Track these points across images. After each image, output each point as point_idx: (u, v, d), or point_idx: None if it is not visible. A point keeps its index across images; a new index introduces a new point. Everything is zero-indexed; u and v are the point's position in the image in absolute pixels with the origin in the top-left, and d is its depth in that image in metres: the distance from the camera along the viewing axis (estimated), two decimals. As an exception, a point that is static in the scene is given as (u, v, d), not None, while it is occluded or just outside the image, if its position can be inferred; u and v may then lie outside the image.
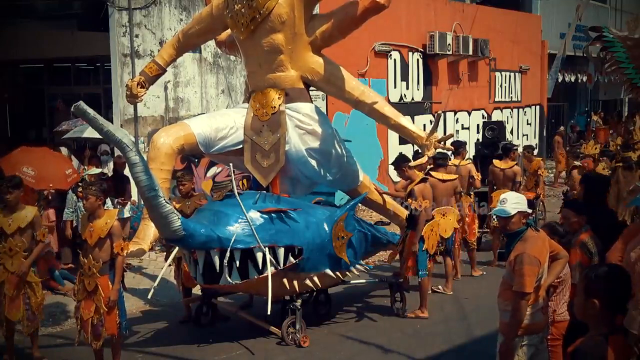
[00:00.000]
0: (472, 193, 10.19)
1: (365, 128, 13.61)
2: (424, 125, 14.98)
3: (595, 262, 4.97)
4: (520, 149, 13.71)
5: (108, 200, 8.57)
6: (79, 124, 11.11)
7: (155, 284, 6.85)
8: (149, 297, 7.18)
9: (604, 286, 2.97)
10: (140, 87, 7.85)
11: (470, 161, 10.65)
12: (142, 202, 6.65)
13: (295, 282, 7.01)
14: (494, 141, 12.27)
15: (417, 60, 16.34)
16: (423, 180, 7.95)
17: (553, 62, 21.81)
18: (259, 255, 6.66)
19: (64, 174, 9.06)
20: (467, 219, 9.57)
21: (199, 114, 11.09)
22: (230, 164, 7.13)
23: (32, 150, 9.38)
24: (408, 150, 14.23)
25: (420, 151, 8.18)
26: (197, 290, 8.10)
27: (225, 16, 7.48)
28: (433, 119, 14.38)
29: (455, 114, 17.88)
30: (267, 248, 6.66)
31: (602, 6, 26.61)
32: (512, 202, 4.56)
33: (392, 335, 7.36)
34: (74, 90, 14.08)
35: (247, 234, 6.63)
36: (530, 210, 4.66)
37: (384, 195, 8.49)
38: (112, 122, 10.33)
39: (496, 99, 19.65)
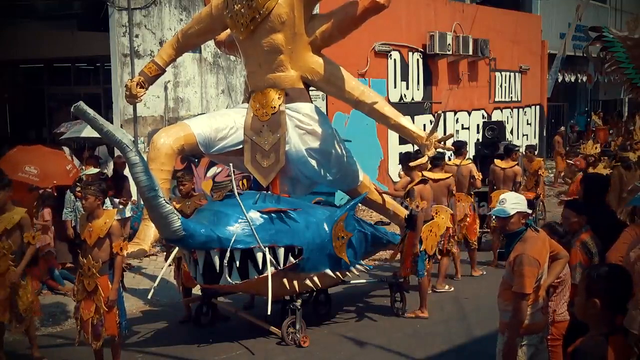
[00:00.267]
0: (473, 193, 10.19)
1: (365, 128, 13.61)
2: (424, 125, 14.98)
3: (595, 262, 4.97)
4: (522, 149, 13.71)
5: (107, 200, 8.58)
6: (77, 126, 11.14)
7: (155, 284, 6.85)
8: (149, 297, 7.17)
9: (605, 286, 2.97)
10: (140, 88, 7.85)
11: (471, 161, 10.64)
12: (142, 202, 6.65)
13: (295, 282, 7.01)
14: (494, 141, 12.27)
15: (417, 60, 16.35)
16: (423, 180, 7.95)
17: (553, 62, 21.82)
18: (259, 255, 6.66)
19: (66, 170, 9.07)
20: (468, 218, 9.57)
21: (199, 114, 11.09)
22: (230, 164, 7.13)
23: (29, 149, 9.37)
24: (408, 150, 14.24)
25: (420, 151, 8.18)
26: (197, 290, 8.10)
27: (225, 16, 7.48)
28: (433, 119, 14.38)
29: (455, 114, 17.88)
30: (267, 248, 6.66)
31: (602, 6, 26.61)
32: (512, 202, 4.56)
33: (392, 335, 7.36)
34: (74, 90, 14.08)
35: (247, 234, 6.63)
36: (530, 211, 4.65)
37: (384, 195, 8.49)
38: (112, 122, 10.34)
39: (496, 99, 19.65)
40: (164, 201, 6.03)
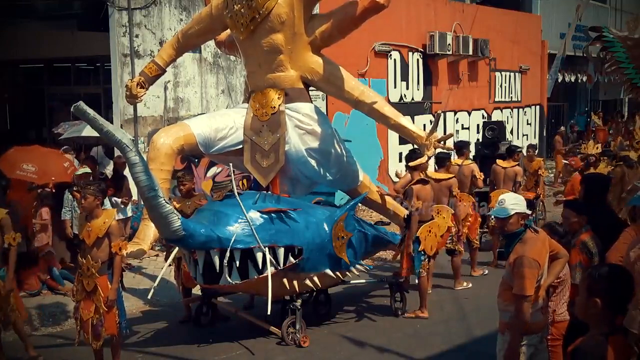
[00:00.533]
0: (474, 193, 10.21)
1: (365, 128, 13.60)
2: (424, 125, 14.97)
3: (595, 263, 4.97)
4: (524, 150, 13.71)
5: (107, 201, 8.58)
6: (75, 126, 11.17)
7: (155, 284, 6.85)
8: (149, 297, 7.17)
9: (606, 286, 2.97)
10: (140, 88, 7.84)
11: (473, 161, 10.64)
12: (142, 202, 6.65)
13: (295, 282, 7.01)
14: (494, 141, 12.27)
15: (417, 60, 16.34)
16: (422, 181, 7.95)
17: (553, 62, 21.82)
18: (259, 255, 6.66)
19: (64, 167, 9.08)
20: (470, 218, 9.58)
21: (199, 114, 11.09)
22: (230, 164, 7.13)
23: (26, 148, 9.40)
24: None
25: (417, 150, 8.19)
26: (197, 290, 8.10)
27: (225, 16, 7.48)
28: (433, 119, 14.38)
29: (455, 114, 17.88)
30: (267, 248, 6.66)
31: (602, 6, 26.61)
32: (510, 203, 4.56)
33: (392, 335, 7.36)
34: (74, 90, 14.08)
35: (247, 234, 6.63)
36: (529, 212, 4.64)
37: (385, 196, 8.49)
38: (112, 122, 10.34)
39: (496, 99, 19.64)
40: (163, 201, 6.03)
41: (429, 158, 7.90)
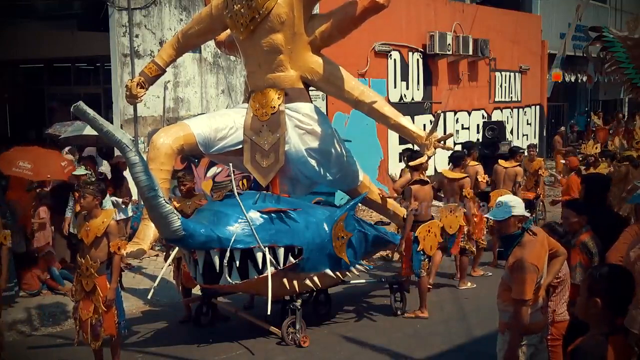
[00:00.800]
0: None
1: (365, 128, 13.60)
2: (424, 125, 14.97)
3: (595, 263, 4.97)
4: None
5: (107, 201, 8.57)
6: (66, 127, 11.20)
7: (155, 284, 6.85)
8: (149, 297, 7.17)
9: (606, 286, 2.97)
10: (140, 88, 7.84)
11: (479, 163, 10.62)
12: (142, 202, 6.65)
13: (295, 282, 7.01)
14: (494, 141, 12.27)
15: (417, 60, 16.34)
16: (421, 181, 7.95)
17: (553, 62, 21.82)
18: (259, 255, 6.66)
19: (61, 166, 9.09)
20: (475, 218, 9.58)
21: (199, 114, 11.08)
22: (230, 164, 7.13)
23: (25, 148, 9.43)
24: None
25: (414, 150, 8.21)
26: (197, 290, 8.09)
27: (225, 16, 7.48)
28: (433, 119, 14.39)
29: (455, 114, 17.88)
30: (267, 248, 6.66)
31: (602, 6, 26.60)
32: (508, 205, 4.55)
33: (392, 335, 7.36)
34: (73, 90, 14.08)
35: (247, 234, 6.63)
36: (527, 214, 4.61)
37: (384, 195, 8.49)
38: (112, 122, 10.34)
39: (496, 99, 19.64)
40: (163, 201, 6.03)
41: (429, 158, 7.91)
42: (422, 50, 16.35)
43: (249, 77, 7.76)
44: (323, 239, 7.09)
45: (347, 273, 7.59)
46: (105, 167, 10.79)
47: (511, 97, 20.46)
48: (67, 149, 11.09)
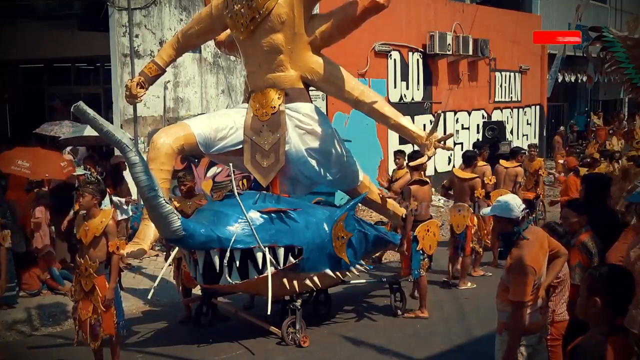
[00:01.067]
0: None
1: (365, 128, 13.60)
2: (424, 125, 14.97)
3: (595, 263, 4.97)
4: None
5: (107, 201, 8.58)
6: (56, 127, 11.22)
7: (155, 284, 6.85)
8: (149, 297, 7.17)
9: (606, 285, 2.98)
10: (140, 88, 7.84)
11: (487, 164, 10.63)
12: (142, 202, 6.65)
13: (295, 282, 7.01)
14: (494, 141, 12.28)
15: (417, 60, 16.34)
16: (420, 181, 7.96)
17: (553, 62, 21.81)
18: (259, 255, 6.66)
19: (60, 166, 9.10)
20: (486, 219, 9.60)
21: (199, 114, 11.09)
22: (230, 164, 7.13)
23: (26, 148, 9.44)
24: (408, 149, 14.21)
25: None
26: (197, 290, 8.09)
27: (225, 16, 7.48)
28: (433, 119, 14.39)
29: (455, 114, 17.88)
30: (267, 248, 6.66)
31: (602, 6, 26.59)
32: (503, 202, 4.59)
33: (392, 335, 7.36)
34: (73, 90, 14.08)
35: (247, 234, 6.63)
36: (517, 216, 4.57)
37: (385, 196, 8.49)
38: (112, 122, 10.34)
39: (496, 99, 19.64)
40: (163, 201, 6.03)
41: (429, 158, 7.91)
42: (422, 50, 16.35)
43: (249, 77, 7.75)
44: (323, 239, 7.09)
45: (347, 273, 7.59)
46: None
47: (511, 97, 20.46)
48: (68, 149, 11.11)
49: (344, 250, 7.26)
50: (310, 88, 7.74)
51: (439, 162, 16.89)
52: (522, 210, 4.55)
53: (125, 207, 9.63)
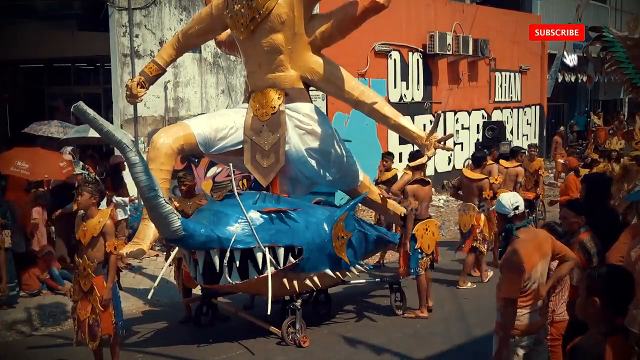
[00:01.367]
0: None
1: (365, 128, 13.61)
2: (424, 125, 14.98)
3: (594, 263, 4.96)
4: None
5: (111, 200, 8.58)
6: (44, 126, 11.22)
7: (155, 284, 6.85)
8: (149, 297, 7.17)
9: (605, 285, 2.98)
10: (140, 87, 7.84)
11: (494, 163, 10.63)
12: (142, 202, 6.65)
13: (295, 282, 7.01)
14: (494, 141, 12.27)
15: (417, 60, 16.34)
16: (421, 181, 7.96)
17: (553, 62, 21.82)
18: (259, 255, 6.66)
19: (59, 166, 9.10)
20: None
21: (199, 114, 11.09)
22: (230, 164, 7.12)
23: (25, 149, 9.43)
24: (408, 149, 14.22)
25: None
26: (197, 290, 8.09)
27: (225, 16, 7.48)
28: (433, 119, 14.38)
29: (455, 114, 17.88)
30: (267, 248, 6.66)
31: (602, 6, 26.60)
32: (500, 201, 4.63)
33: (392, 335, 7.36)
34: (74, 90, 14.09)
35: (247, 234, 6.63)
36: (510, 212, 4.60)
37: (386, 196, 8.50)
38: (112, 122, 10.34)
39: (496, 99, 19.65)
40: (163, 201, 6.03)
41: (429, 158, 7.92)
42: (422, 50, 16.35)
43: (249, 77, 7.76)
44: (323, 239, 7.09)
45: (347, 273, 7.59)
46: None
47: (511, 97, 20.47)
48: (69, 149, 11.10)
49: (344, 250, 7.26)
50: (310, 88, 7.74)
51: (439, 162, 16.90)
52: (516, 209, 4.56)
53: (128, 206, 9.62)
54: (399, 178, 9.12)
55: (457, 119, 17.98)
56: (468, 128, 18.35)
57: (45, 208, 9.05)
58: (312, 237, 7.00)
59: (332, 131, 7.70)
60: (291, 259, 6.87)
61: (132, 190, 10.06)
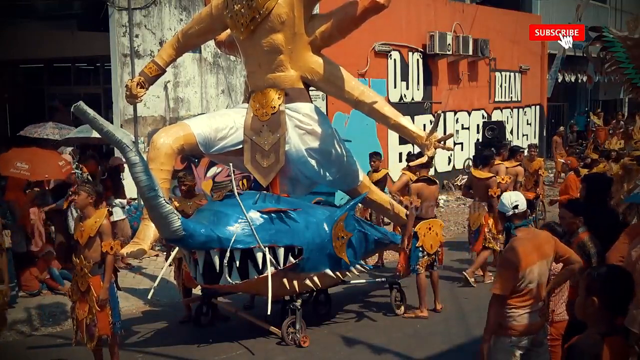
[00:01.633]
0: None
1: (365, 128, 13.61)
2: (424, 125, 14.97)
3: (594, 263, 4.96)
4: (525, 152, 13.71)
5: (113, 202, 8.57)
6: (39, 129, 11.23)
7: (155, 284, 6.85)
8: (149, 297, 7.17)
9: (604, 285, 2.98)
10: (140, 88, 7.84)
11: (503, 163, 10.62)
12: (142, 202, 6.65)
13: (295, 282, 7.01)
14: (494, 141, 12.28)
15: (417, 60, 16.34)
16: (427, 180, 7.98)
17: (553, 62, 21.82)
18: (259, 255, 6.66)
19: (58, 166, 9.11)
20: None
21: (199, 114, 11.09)
22: (230, 164, 7.13)
23: (23, 149, 9.44)
24: (408, 149, 14.24)
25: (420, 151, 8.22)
26: (197, 290, 8.10)
27: (225, 16, 7.48)
28: (433, 119, 14.38)
29: (455, 114, 17.88)
30: (267, 248, 6.66)
31: (602, 6, 26.60)
32: (501, 200, 4.65)
33: (392, 335, 7.36)
34: (73, 90, 14.09)
35: (247, 234, 6.63)
36: (508, 211, 4.62)
37: (386, 196, 8.50)
38: (112, 122, 10.34)
39: (496, 99, 19.64)
40: (163, 201, 6.03)
41: (430, 158, 7.92)
42: (422, 50, 16.35)
43: (249, 77, 7.76)
44: (323, 239, 7.09)
45: (347, 273, 7.59)
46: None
47: (511, 97, 20.47)
48: (69, 149, 11.10)
49: (344, 250, 7.26)
50: (310, 88, 7.74)
51: (439, 162, 16.88)
52: (515, 208, 4.56)
53: (126, 207, 9.63)
54: (397, 179, 9.15)
55: (457, 119, 17.98)
56: (468, 128, 18.35)
57: (41, 208, 9.06)
58: (312, 237, 7.00)
59: (332, 131, 7.70)
60: (291, 259, 6.87)
61: (131, 191, 10.07)
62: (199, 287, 7.74)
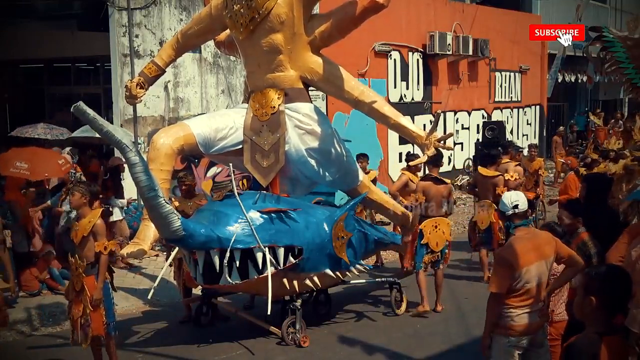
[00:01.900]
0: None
1: (365, 128, 13.60)
2: (424, 125, 14.97)
3: (593, 263, 4.96)
4: (525, 151, 13.71)
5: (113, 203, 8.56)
6: (30, 129, 11.25)
7: (155, 284, 6.85)
8: (149, 297, 7.17)
9: (602, 285, 2.98)
10: (140, 88, 7.84)
11: (510, 162, 10.61)
12: (142, 202, 6.65)
13: (295, 282, 7.01)
14: (494, 141, 12.28)
15: (417, 60, 16.34)
16: (434, 179, 8.00)
17: (553, 62, 21.81)
18: (259, 255, 6.66)
19: (58, 164, 9.12)
20: None
21: (199, 114, 11.09)
22: (230, 164, 7.13)
23: (22, 149, 9.45)
24: (408, 149, 14.23)
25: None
26: (197, 290, 8.10)
27: (224, 16, 7.48)
28: (433, 119, 14.38)
29: (455, 114, 17.88)
30: (267, 248, 6.66)
31: (602, 6, 26.60)
32: (502, 200, 4.65)
33: (392, 335, 7.36)
34: (73, 90, 14.08)
35: (247, 234, 6.63)
36: (508, 210, 4.63)
37: (387, 196, 8.50)
38: (112, 122, 10.35)
39: (496, 99, 19.64)
40: (163, 201, 6.03)
41: (429, 158, 7.92)
42: (422, 50, 16.35)
43: (249, 77, 7.75)
44: (323, 239, 7.09)
45: (347, 273, 7.59)
46: None
47: (511, 97, 20.46)
48: (68, 149, 11.10)
49: (344, 250, 7.27)
50: (310, 88, 7.74)
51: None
52: (515, 207, 4.56)
53: (125, 208, 9.63)
54: (396, 179, 9.16)
55: (457, 119, 17.98)
56: (468, 128, 18.35)
57: (34, 207, 9.06)
58: (312, 237, 7.00)
59: (332, 131, 7.70)
60: (291, 259, 6.88)
61: (131, 191, 10.07)
62: (199, 287, 7.74)
